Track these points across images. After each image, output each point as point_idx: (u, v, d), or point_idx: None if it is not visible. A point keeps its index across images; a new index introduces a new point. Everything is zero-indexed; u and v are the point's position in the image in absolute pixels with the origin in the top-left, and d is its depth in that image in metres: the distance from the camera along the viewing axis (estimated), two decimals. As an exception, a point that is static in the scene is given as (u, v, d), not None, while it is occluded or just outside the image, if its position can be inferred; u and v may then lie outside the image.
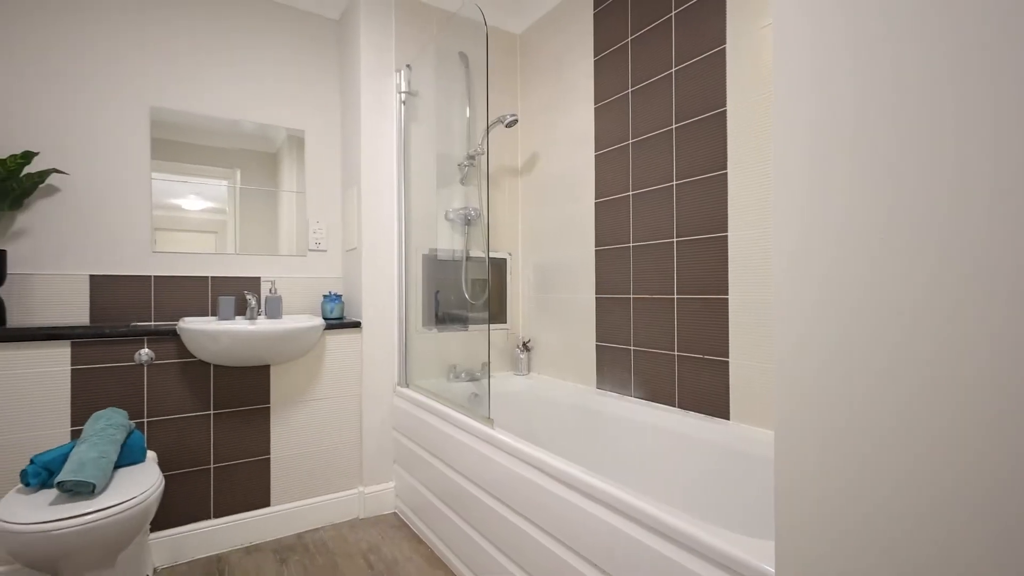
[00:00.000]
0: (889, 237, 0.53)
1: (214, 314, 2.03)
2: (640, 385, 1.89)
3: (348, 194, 2.25)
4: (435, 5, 2.29)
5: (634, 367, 1.91)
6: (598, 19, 2.06)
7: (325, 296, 2.16)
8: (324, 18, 2.32)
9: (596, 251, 2.08)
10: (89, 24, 1.85)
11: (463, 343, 2.33)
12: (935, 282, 0.49)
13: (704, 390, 1.65)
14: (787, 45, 0.63)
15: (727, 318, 1.58)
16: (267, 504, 1.93)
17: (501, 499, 1.40)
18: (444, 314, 2.29)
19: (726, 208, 1.57)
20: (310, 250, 2.26)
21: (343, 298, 2.26)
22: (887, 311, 0.53)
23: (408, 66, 2.16)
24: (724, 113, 1.57)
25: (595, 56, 2.08)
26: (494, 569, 1.43)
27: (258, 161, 2.16)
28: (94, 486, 1.25)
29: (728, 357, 1.58)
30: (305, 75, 2.27)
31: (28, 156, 1.60)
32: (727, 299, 1.57)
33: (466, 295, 2.28)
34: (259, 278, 2.14)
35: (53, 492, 1.28)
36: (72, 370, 1.61)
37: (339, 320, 2.10)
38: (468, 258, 2.29)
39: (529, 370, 2.45)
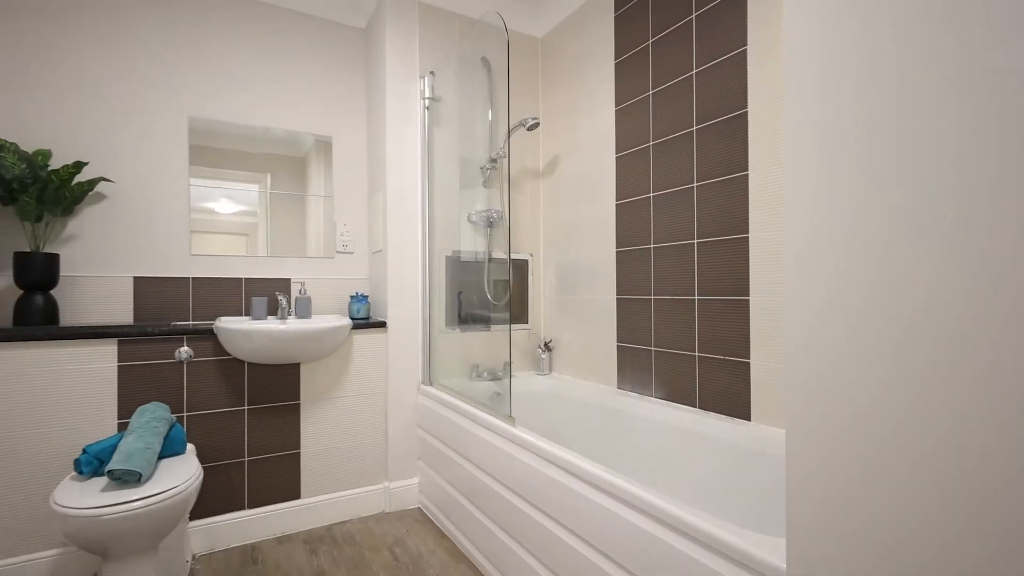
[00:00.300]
0: (894, 239, 0.54)
1: (247, 314, 2.13)
2: (661, 385, 1.89)
3: (374, 198, 2.31)
4: (458, 12, 2.34)
5: (655, 367, 1.92)
6: (619, 22, 2.08)
7: (352, 297, 2.23)
8: (351, 27, 2.39)
9: (617, 252, 2.09)
10: (133, 40, 1.96)
11: (485, 343, 2.37)
12: (939, 284, 0.51)
13: (725, 391, 1.65)
14: (797, 53, 0.65)
15: (748, 319, 1.57)
16: (297, 497, 2.01)
17: (522, 495, 1.44)
18: (467, 314, 2.33)
19: (747, 209, 1.57)
20: (337, 252, 2.34)
21: (369, 299, 2.33)
22: (892, 311, 0.54)
23: (432, 72, 2.22)
24: (745, 115, 1.57)
25: (616, 59, 2.09)
26: (516, 564, 1.46)
27: (287, 165, 2.24)
28: (140, 475, 1.33)
29: (749, 358, 1.57)
30: (333, 83, 2.35)
31: (79, 166, 1.71)
32: (748, 300, 1.57)
33: (488, 296, 2.32)
34: (289, 279, 2.22)
35: (103, 480, 1.37)
36: (119, 367, 1.71)
37: (365, 320, 2.17)
38: (490, 259, 2.33)
39: (551, 370, 2.48)
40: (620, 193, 2.08)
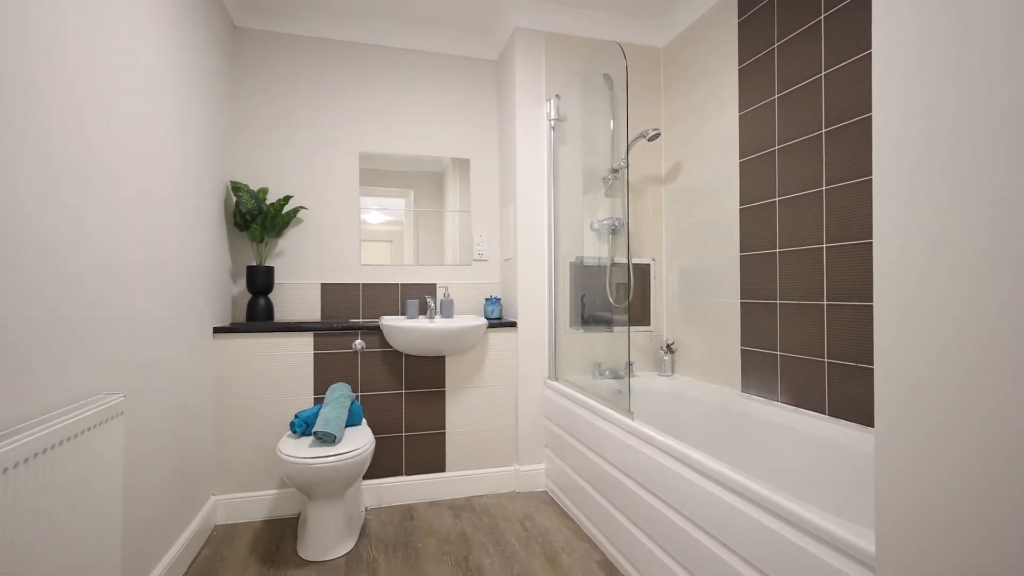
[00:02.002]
0: (937, 256, 0.60)
1: (403, 313, 2.53)
2: (787, 391, 1.87)
3: (505, 211, 2.59)
4: (580, 35, 2.52)
5: (781, 372, 1.90)
6: (743, 27, 2.08)
7: (487, 299, 2.53)
8: (484, 60, 2.70)
9: (741, 256, 2.10)
10: (322, 99, 2.46)
11: (607, 343, 2.51)
12: (981, 291, 0.57)
13: (857, 398, 1.60)
14: (883, 88, 0.72)
15: (883, 326, 1.51)
16: (443, 470, 2.35)
17: (640, 483, 1.57)
18: (589, 316, 2.49)
19: (882, 212, 1.51)
20: (474, 260, 2.66)
21: (501, 301, 2.61)
22: (935, 313, 0.60)
23: (557, 95, 2.42)
24: (879, 114, 1.51)
25: (740, 64, 2.10)
26: (634, 545, 1.60)
27: (428, 180, 2.61)
28: (335, 437, 1.73)
29: (885, 367, 1.51)
30: (470, 110, 2.67)
31: (287, 199, 2.22)
32: (883, 306, 1.51)
33: (610, 299, 2.46)
34: (435, 284, 2.59)
35: (310, 438, 1.79)
36: (314, 354, 2.19)
37: (498, 320, 2.45)
38: (613, 264, 2.47)
39: (673, 371, 2.53)
40: (744, 197, 2.08)
